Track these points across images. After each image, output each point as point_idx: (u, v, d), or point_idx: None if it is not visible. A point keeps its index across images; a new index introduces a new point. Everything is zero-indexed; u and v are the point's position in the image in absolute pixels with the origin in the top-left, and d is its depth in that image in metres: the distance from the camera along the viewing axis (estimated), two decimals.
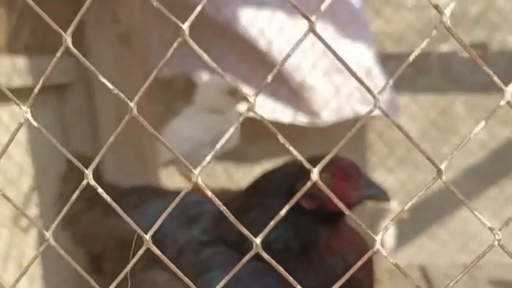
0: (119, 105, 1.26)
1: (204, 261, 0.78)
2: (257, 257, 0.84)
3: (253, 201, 0.78)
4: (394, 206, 1.30)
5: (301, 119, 1.47)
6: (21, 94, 1.06)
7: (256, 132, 1.47)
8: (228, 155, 1.61)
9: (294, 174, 0.75)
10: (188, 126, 1.02)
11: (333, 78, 1.43)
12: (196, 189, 1.16)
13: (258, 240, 0.35)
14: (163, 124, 1.48)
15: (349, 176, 0.71)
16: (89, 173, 0.38)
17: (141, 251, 0.39)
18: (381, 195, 0.70)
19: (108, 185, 1.03)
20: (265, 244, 0.75)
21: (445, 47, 1.60)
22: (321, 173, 0.76)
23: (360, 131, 1.62)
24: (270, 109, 1.47)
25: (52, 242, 0.40)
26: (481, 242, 1.59)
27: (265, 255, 0.36)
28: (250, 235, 0.37)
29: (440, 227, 1.62)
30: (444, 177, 0.31)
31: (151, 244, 0.39)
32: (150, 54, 1.43)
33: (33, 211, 1.12)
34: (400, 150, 1.63)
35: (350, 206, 0.73)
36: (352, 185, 0.71)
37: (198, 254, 0.80)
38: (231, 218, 0.37)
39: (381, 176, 1.62)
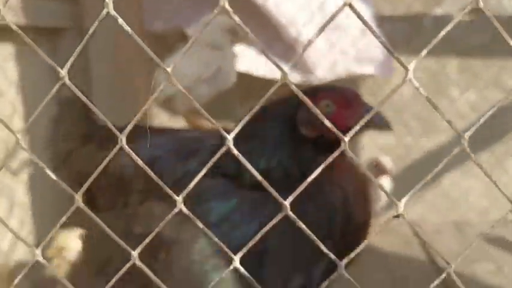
0: (112, 52, 1.24)
1: (201, 193, 0.77)
2: (255, 188, 0.83)
3: (251, 132, 0.78)
4: (387, 161, 1.32)
5: (295, 76, 1.46)
6: (13, 32, 1.04)
7: (248, 91, 1.46)
8: (219, 115, 1.60)
9: (293, 104, 0.75)
10: (186, 62, 1.01)
11: (328, 34, 1.42)
12: (196, 126, 1.16)
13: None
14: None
15: (351, 104, 0.71)
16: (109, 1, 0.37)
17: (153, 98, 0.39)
18: (382, 123, 0.70)
19: (102, 124, 1.02)
20: (265, 171, 0.76)
21: (439, 11, 1.60)
22: (322, 100, 0.76)
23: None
24: (264, 65, 1.46)
25: (67, 80, 0.39)
26: (470, 203, 1.61)
27: (293, 87, 0.36)
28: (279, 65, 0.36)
29: (430, 189, 1.64)
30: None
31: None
32: (144, 4, 1.41)
33: (23, 154, 1.10)
34: (390, 112, 1.63)
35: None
36: (354, 113, 0.70)
37: (195, 185, 0.79)
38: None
39: (370, 137, 1.63)
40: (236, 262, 0.46)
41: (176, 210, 0.43)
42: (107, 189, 0.89)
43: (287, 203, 0.38)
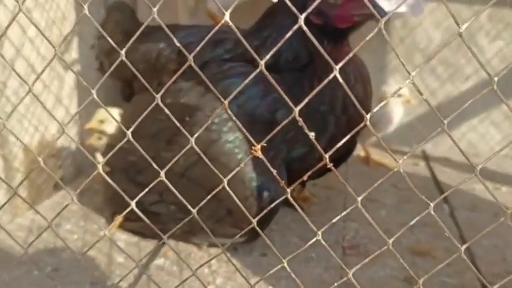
0: None
1: (224, 71, 0.89)
2: (270, 69, 0.94)
3: (265, 23, 0.89)
4: (404, 91, 1.39)
5: None
6: None
7: None
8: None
9: None
10: None
11: None
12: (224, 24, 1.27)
13: None
14: None
15: None
16: None
17: None
18: (380, 12, 0.79)
19: (142, 22, 1.13)
20: (277, 55, 0.86)
21: None
22: None
23: (380, 35, 1.67)
24: None
25: None
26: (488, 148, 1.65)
27: None
28: None
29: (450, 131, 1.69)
30: None
31: None
32: None
33: (73, 55, 1.23)
34: (418, 57, 1.68)
35: (355, 24, 0.83)
36: (358, 4, 0.80)
37: (220, 66, 0.90)
38: None
39: (396, 81, 1.68)
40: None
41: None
42: (144, 73, 1.01)
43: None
